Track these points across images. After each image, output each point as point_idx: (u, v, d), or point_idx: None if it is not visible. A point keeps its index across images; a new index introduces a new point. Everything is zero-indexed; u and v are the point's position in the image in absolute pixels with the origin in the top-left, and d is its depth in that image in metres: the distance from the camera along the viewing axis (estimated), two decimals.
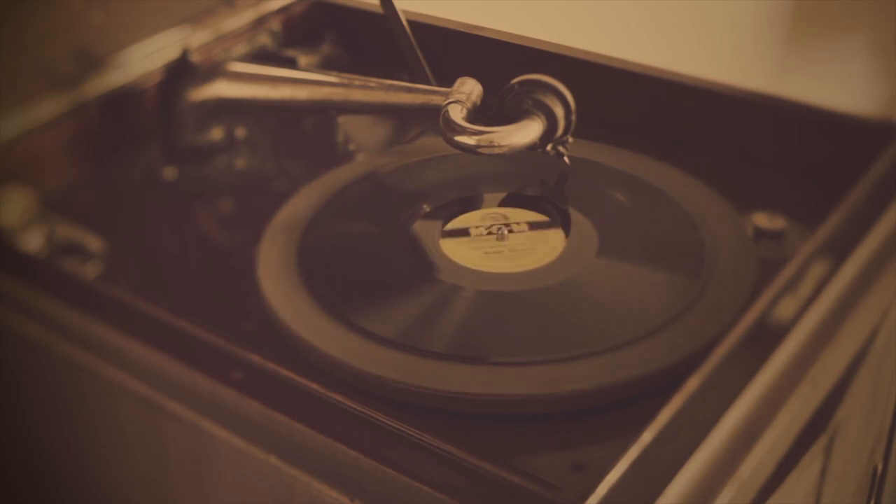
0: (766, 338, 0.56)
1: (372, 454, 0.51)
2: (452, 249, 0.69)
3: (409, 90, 0.76)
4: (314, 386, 0.54)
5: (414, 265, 0.69)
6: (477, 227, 0.71)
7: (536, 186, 0.76)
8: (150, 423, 0.59)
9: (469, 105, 0.72)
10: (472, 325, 0.64)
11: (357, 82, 0.78)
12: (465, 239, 0.70)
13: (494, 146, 0.70)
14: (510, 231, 0.71)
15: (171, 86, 0.82)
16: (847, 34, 1.99)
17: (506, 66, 0.77)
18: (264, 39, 0.91)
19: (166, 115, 0.82)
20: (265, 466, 0.54)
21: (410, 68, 0.84)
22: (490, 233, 0.71)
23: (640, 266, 0.69)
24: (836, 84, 1.81)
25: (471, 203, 0.74)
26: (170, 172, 0.81)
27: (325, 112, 0.85)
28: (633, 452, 0.49)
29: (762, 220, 0.72)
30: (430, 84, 0.81)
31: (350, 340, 0.62)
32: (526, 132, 0.72)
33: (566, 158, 0.76)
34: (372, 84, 0.77)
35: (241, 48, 0.89)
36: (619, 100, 0.83)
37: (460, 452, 0.50)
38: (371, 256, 0.70)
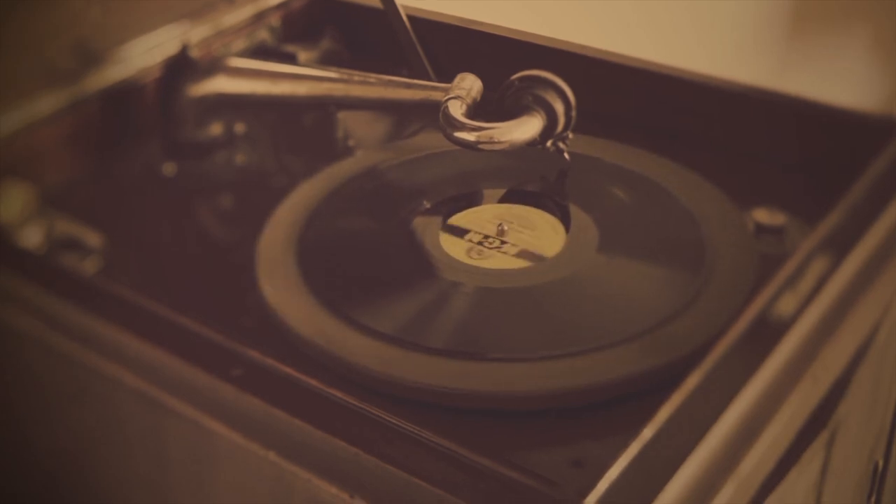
0: (766, 334, 0.56)
1: (371, 450, 0.50)
2: (452, 245, 0.69)
3: (409, 86, 0.76)
4: (314, 382, 0.54)
5: (413, 261, 0.69)
6: (477, 231, 0.71)
7: (536, 182, 0.76)
8: (149, 419, 0.59)
9: (469, 101, 0.72)
10: (471, 322, 0.64)
11: (357, 78, 0.78)
12: (465, 235, 0.70)
13: (494, 142, 0.70)
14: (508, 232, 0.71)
15: (170, 81, 0.82)
16: (847, 31, 1.99)
17: (506, 62, 0.77)
18: (264, 35, 0.91)
19: (166, 111, 0.82)
20: (265, 463, 0.53)
21: (410, 64, 0.83)
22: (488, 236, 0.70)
23: (641, 262, 0.68)
24: (836, 81, 1.81)
25: (471, 199, 0.74)
26: (169, 168, 0.81)
27: (324, 108, 0.84)
28: (633, 449, 0.49)
29: (763, 215, 0.72)
30: (429, 80, 0.81)
31: (349, 336, 0.62)
32: (526, 128, 0.72)
33: (566, 154, 0.76)
34: (371, 80, 0.77)
35: (240, 44, 0.89)
36: (618, 95, 0.83)
37: (460, 448, 0.50)
38: (370, 252, 0.70)
